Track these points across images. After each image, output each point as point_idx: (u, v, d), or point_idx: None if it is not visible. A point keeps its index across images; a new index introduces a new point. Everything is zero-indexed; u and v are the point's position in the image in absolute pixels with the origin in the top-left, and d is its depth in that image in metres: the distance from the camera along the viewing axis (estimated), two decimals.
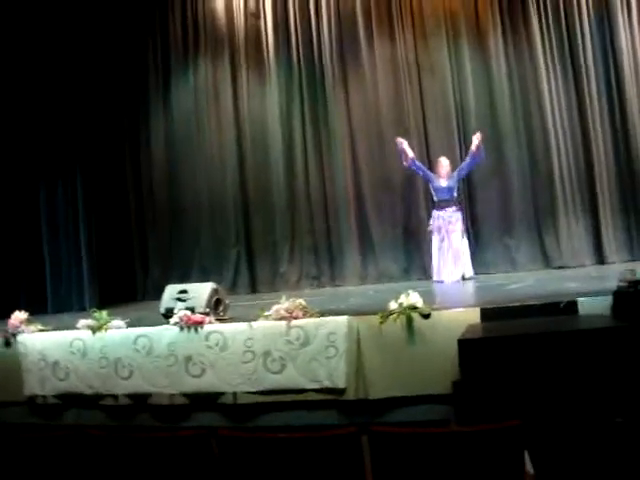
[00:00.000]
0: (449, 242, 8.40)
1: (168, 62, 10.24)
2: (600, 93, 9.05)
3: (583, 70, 9.04)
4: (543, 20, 9.18)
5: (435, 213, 8.56)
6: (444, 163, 8.56)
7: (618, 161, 9.03)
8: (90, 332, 6.09)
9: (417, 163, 8.64)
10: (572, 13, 9.11)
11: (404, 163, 8.69)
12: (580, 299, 5.31)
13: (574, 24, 9.09)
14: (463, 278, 8.33)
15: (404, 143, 8.61)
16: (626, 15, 8.99)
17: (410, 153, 8.60)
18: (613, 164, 9.03)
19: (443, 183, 8.49)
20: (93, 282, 9.27)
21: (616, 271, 5.99)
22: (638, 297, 4.76)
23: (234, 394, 5.67)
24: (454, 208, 8.47)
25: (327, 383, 5.41)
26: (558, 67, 9.17)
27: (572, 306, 5.26)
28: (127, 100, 10.23)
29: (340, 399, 5.43)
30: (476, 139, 8.45)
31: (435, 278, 8.46)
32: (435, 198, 8.59)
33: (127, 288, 9.96)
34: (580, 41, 9.05)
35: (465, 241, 8.54)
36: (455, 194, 8.55)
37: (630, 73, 8.94)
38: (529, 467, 3.25)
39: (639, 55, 8.97)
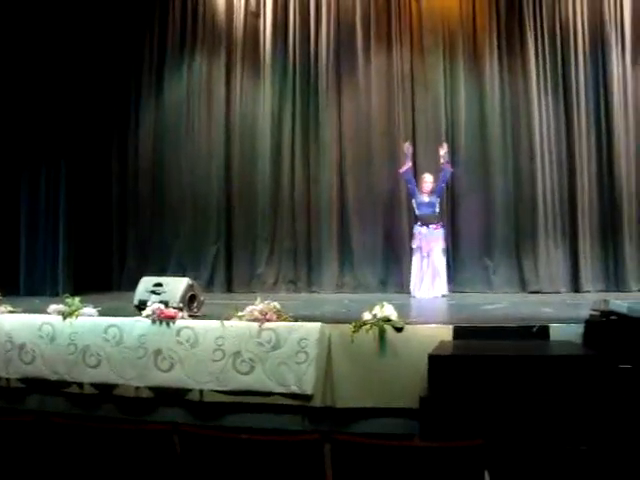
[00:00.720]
0: (429, 259, 8.47)
1: (163, 55, 10.18)
2: (589, 125, 9.19)
3: (574, 101, 9.17)
4: (539, 48, 9.30)
5: (417, 230, 8.63)
6: (428, 179, 8.65)
7: (601, 193, 9.16)
8: (60, 317, 6.03)
9: (410, 175, 8.71)
10: (568, 44, 9.25)
11: (401, 169, 8.77)
12: (552, 325, 5.36)
13: (569, 55, 9.23)
14: (439, 296, 8.39)
15: (410, 150, 8.75)
16: (620, 51, 9.15)
17: (409, 163, 8.69)
18: (596, 195, 9.16)
19: (425, 198, 8.60)
20: (68, 268, 9.18)
21: (590, 300, 6.05)
22: (609, 327, 4.80)
23: (201, 392, 5.63)
24: (435, 225, 8.56)
25: (295, 388, 5.40)
26: (550, 95, 9.28)
27: (544, 331, 5.31)
28: (118, 90, 10.14)
29: (307, 405, 5.42)
30: (441, 150, 8.61)
31: (412, 294, 8.49)
32: (417, 212, 8.67)
33: (103, 277, 9.88)
34: (574, 72, 9.19)
35: (444, 259, 8.60)
36: (437, 210, 8.64)
37: (619, 107, 9.09)
38: None
39: (629, 91, 9.14)
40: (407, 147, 8.79)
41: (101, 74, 9.97)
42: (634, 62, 9.16)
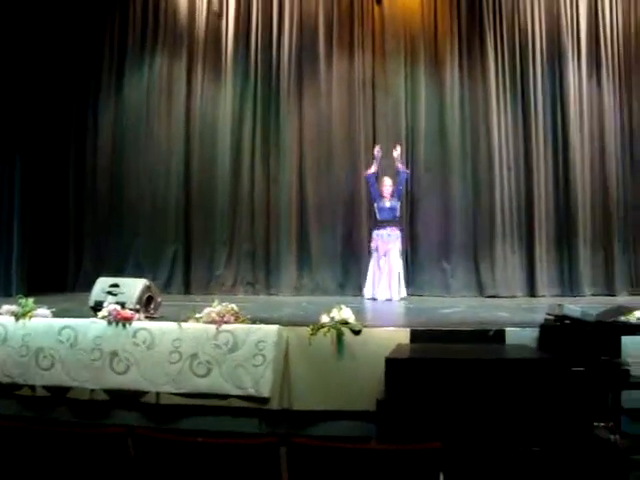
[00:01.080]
0: (386, 261, 8.52)
1: (124, 52, 10.03)
2: (546, 133, 9.41)
3: (532, 109, 9.39)
4: (499, 57, 9.50)
5: (375, 233, 8.67)
6: (387, 183, 8.71)
7: (557, 200, 9.36)
8: (13, 318, 5.90)
9: (374, 179, 8.76)
10: (527, 54, 9.49)
11: (367, 171, 8.82)
12: (508, 329, 5.43)
13: (528, 65, 9.46)
14: (396, 299, 8.43)
15: (380, 154, 8.78)
16: (576, 63, 9.42)
17: (376, 167, 8.74)
18: (552, 202, 9.37)
19: (387, 203, 8.65)
20: (22, 268, 8.96)
21: (545, 304, 6.14)
22: (563, 331, 4.88)
23: (157, 394, 5.56)
24: (394, 228, 8.60)
25: (252, 391, 5.37)
26: (509, 103, 9.47)
27: (500, 335, 5.37)
28: (78, 88, 9.96)
29: (264, 408, 5.39)
30: (394, 152, 8.73)
31: (368, 295, 8.54)
32: (378, 217, 8.70)
33: (58, 278, 9.68)
34: (532, 82, 9.42)
35: (401, 262, 8.65)
36: (397, 214, 8.70)
37: (575, 118, 9.34)
38: None
39: (584, 101, 9.40)
40: (377, 150, 8.83)
41: (60, 71, 9.79)
42: (589, 75, 9.45)
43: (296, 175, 9.63)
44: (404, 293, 8.61)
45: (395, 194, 8.67)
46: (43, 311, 6.00)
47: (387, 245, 8.57)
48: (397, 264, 8.58)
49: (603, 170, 9.36)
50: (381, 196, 8.69)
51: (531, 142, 9.37)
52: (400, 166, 8.74)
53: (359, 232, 9.43)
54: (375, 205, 8.75)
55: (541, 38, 9.47)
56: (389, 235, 8.59)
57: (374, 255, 8.65)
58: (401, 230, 8.77)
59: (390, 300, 8.36)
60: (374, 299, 8.44)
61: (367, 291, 8.61)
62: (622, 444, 4.25)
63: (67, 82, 9.90)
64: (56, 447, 3.30)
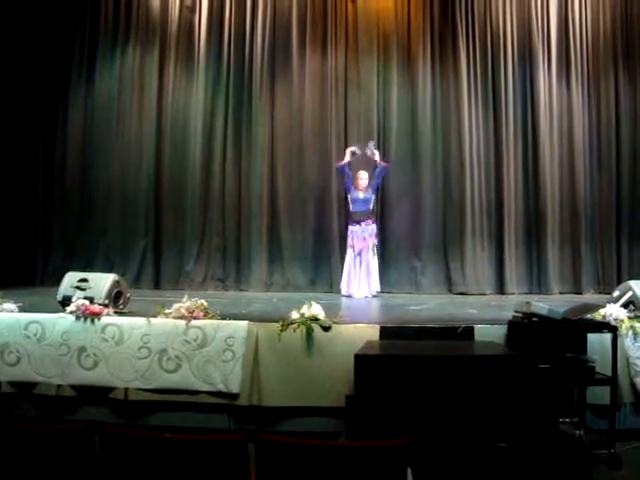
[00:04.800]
0: (361, 257, 8.52)
1: (95, 46, 9.88)
2: (516, 133, 9.52)
3: (503, 109, 9.49)
4: (471, 56, 9.58)
5: (350, 229, 8.66)
6: (363, 176, 8.68)
7: (526, 198, 9.46)
8: None
9: (347, 170, 8.69)
10: (498, 54, 9.57)
11: (340, 162, 8.78)
12: (477, 326, 5.49)
13: (499, 65, 9.55)
14: (372, 294, 8.46)
15: (352, 149, 8.75)
16: (546, 63, 9.56)
17: (348, 158, 8.69)
18: (521, 201, 9.47)
19: (360, 195, 8.61)
20: None
21: (514, 302, 6.20)
22: (531, 328, 4.94)
23: (126, 390, 5.53)
24: (368, 221, 8.60)
25: (221, 387, 5.37)
26: (480, 102, 9.55)
27: (469, 332, 5.42)
28: (47, 83, 9.82)
29: (233, 404, 5.40)
30: (367, 150, 8.71)
31: (344, 292, 8.54)
32: (351, 209, 8.68)
33: (26, 272, 9.56)
34: (503, 82, 9.51)
35: (376, 257, 8.66)
36: (371, 207, 8.67)
37: (545, 118, 9.46)
38: None
39: (554, 102, 9.52)
40: (351, 149, 8.77)
41: (29, 65, 9.67)
42: (559, 76, 9.57)
43: (267, 171, 9.60)
44: (378, 287, 8.61)
45: (370, 188, 8.65)
46: (9, 305, 5.93)
47: (362, 242, 8.55)
48: (372, 259, 8.57)
49: (572, 170, 9.48)
50: (356, 189, 8.66)
51: (501, 141, 9.47)
52: (380, 162, 8.68)
53: (330, 228, 9.43)
54: (349, 196, 8.73)
55: (512, 39, 9.57)
56: (363, 231, 8.56)
57: (349, 252, 8.62)
58: (375, 223, 8.72)
59: (367, 297, 8.37)
60: (350, 296, 8.44)
61: (343, 287, 8.61)
62: (586, 439, 4.32)
63: (36, 78, 9.76)
64: (21, 444, 3.26)
